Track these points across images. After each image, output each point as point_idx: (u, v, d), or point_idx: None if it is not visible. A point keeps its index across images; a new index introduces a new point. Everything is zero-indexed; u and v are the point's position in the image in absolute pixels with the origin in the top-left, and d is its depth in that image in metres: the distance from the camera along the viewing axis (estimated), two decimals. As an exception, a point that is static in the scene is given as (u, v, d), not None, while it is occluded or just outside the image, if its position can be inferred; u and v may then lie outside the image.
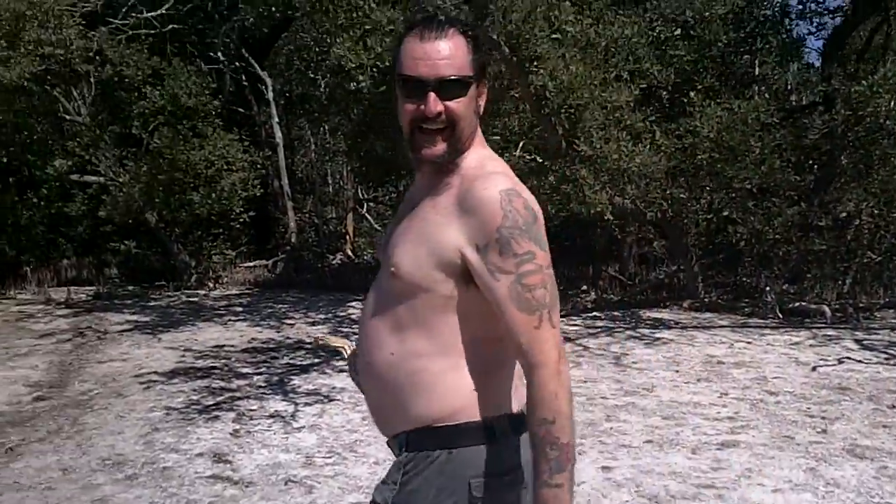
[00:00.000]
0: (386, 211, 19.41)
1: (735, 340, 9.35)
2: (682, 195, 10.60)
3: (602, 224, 13.30)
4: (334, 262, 17.40)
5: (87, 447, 6.26)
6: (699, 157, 9.94)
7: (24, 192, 16.24)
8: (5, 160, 15.63)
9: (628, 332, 9.98)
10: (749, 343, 9.21)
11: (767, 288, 11.20)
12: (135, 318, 12.72)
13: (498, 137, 9.58)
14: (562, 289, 10.56)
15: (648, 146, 9.28)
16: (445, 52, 1.80)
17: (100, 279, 16.81)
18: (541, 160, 9.51)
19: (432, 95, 1.79)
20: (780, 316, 10.69)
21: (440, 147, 1.84)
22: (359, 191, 18.97)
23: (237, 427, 6.54)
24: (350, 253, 17.89)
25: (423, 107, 1.81)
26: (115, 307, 14.03)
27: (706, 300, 11.59)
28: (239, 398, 7.40)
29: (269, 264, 16.15)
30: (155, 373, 8.74)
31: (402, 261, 1.85)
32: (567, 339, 9.67)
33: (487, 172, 1.83)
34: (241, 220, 15.04)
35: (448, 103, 1.81)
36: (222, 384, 7.97)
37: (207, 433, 6.42)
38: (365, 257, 17.96)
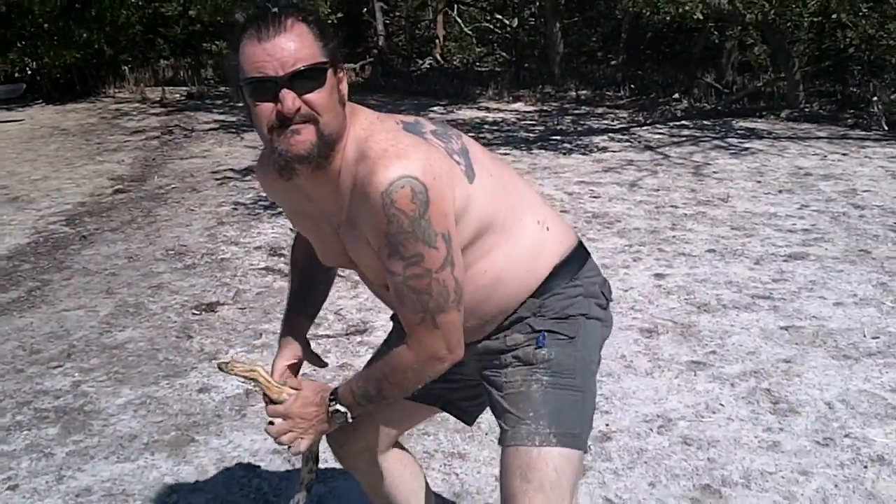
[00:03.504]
0: (476, 13, 18.76)
1: (830, 152, 8.85)
2: (785, -5, 9.82)
3: (700, 28, 12.60)
4: (423, 66, 17.07)
5: (154, 237, 6.42)
6: (808, -48, 9.14)
7: (122, -8, 16.24)
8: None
9: (715, 142, 9.56)
10: (844, 155, 8.71)
11: (875, 98, 10.49)
12: (222, 117, 12.86)
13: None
14: (652, 96, 10.18)
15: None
16: (291, 46, 1.59)
17: (195, 80, 16.97)
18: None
19: (286, 92, 1.59)
20: (886, 128, 10.02)
21: (307, 135, 1.63)
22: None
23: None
24: (439, 57, 17.49)
25: (279, 106, 1.60)
26: (205, 107, 14.21)
27: (806, 110, 10.97)
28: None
29: (356, 67, 15.93)
30: (231, 170, 8.84)
31: (384, 281, 1.77)
32: (648, 147, 9.34)
33: (370, 165, 1.65)
34: (330, 21, 14.73)
35: (306, 97, 1.61)
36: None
37: (269, 228, 6.49)
38: (454, 62, 17.57)
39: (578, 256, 1.97)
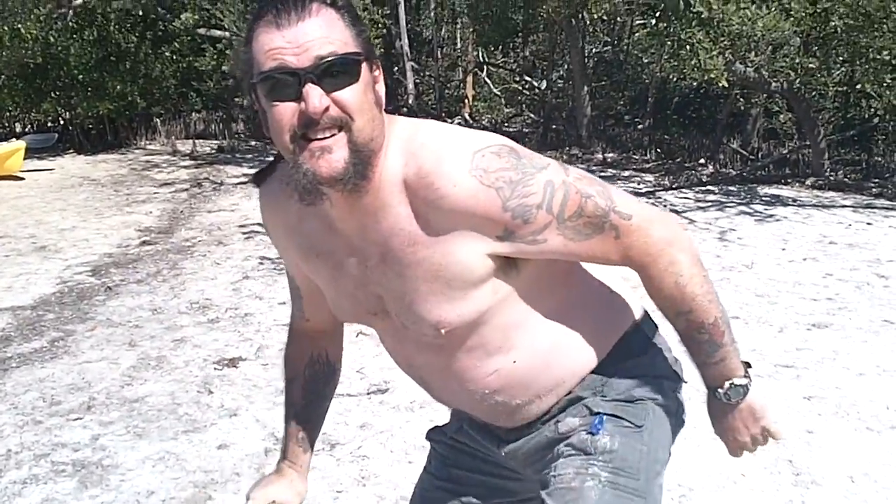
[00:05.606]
0: (505, 74, 19.00)
1: (854, 221, 8.83)
2: (811, 64, 9.87)
3: (726, 94, 12.69)
4: (452, 124, 17.24)
5: (179, 290, 6.47)
6: (833, 23, 9.18)
7: (158, 47, 16.60)
8: (141, 13, 15.97)
9: (740, 208, 9.56)
10: (869, 224, 8.68)
11: (900, 168, 10.48)
12: (252, 171, 13.00)
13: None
14: (678, 160, 10.20)
15: (775, 10, 8.62)
16: (317, 33, 1.29)
17: (225, 133, 17.23)
18: (657, 24, 8.97)
19: (312, 87, 1.28)
20: (911, 199, 10.02)
21: (341, 153, 1.31)
22: (480, 53, 18.57)
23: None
24: (468, 116, 17.69)
25: (302, 106, 1.29)
26: (235, 160, 14.42)
27: (831, 178, 10.97)
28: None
29: (386, 125, 16.10)
30: (258, 224, 8.91)
31: (443, 318, 1.45)
32: (673, 212, 9.34)
33: (432, 155, 1.37)
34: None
35: (336, 95, 1.30)
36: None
37: (292, 284, 6.53)
38: (483, 121, 17.74)
39: (648, 327, 1.69)
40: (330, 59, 1.28)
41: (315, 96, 1.27)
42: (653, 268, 1.46)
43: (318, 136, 1.30)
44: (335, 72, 1.29)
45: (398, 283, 1.45)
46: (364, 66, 1.34)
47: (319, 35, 1.29)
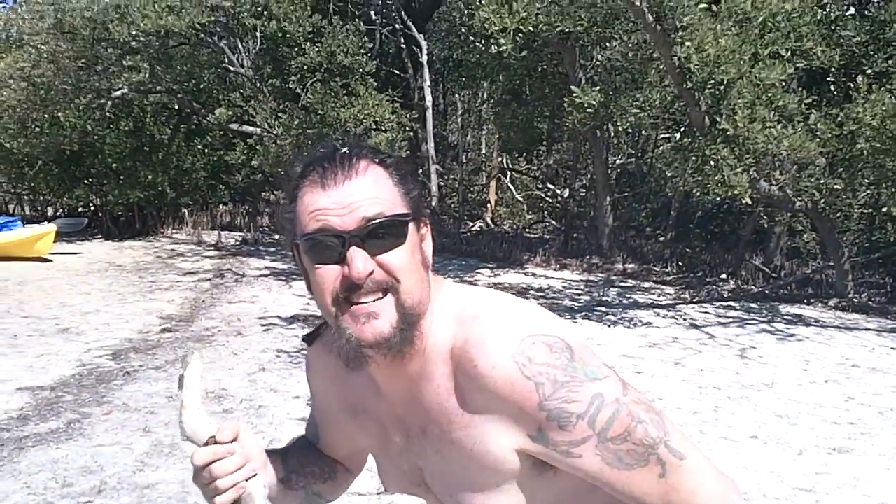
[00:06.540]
0: (529, 181, 19.25)
1: (878, 345, 8.75)
2: (836, 185, 9.94)
3: (750, 211, 12.77)
4: (473, 227, 17.43)
5: (196, 380, 6.46)
6: (859, 145, 9.27)
7: (190, 140, 17.02)
8: (176, 107, 16.43)
9: (762, 326, 9.51)
10: (893, 349, 8.60)
11: (925, 293, 10.43)
12: (274, 264, 13.16)
13: (638, 111, 9.24)
14: (700, 274, 10.20)
15: (801, 130, 8.74)
16: (364, 192, 1.23)
17: (251, 226, 17.47)
18: (681, 138, 9.11)
19: (356, 250, 1.21)
20: (935, 324, 9.94)
21: (387, 317, 1.24)
22: (504, 159, 18.87)
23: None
24: (490, 221, 17.86)
25: (346, 270, 1.22)
26: (258, 253, 14.57)
27: (855, 300, 10.91)
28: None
29: (408, 226, 16.30)
30: (277, 317, 8.98)
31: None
32: (693, 326, 9.32)
33: (477, 332, 1.27)
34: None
35: (382, 257, 1.23)
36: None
37: (309, 379, 6.52)
38: (504, 226, 17.90)
39: None
40: (377, 220, 1.22)
41: (359, 260, 1.21)
42: None
43: (362, 301, 1.23)
44: (382, 234, 1.23)
45: (437, 460, 1.36)
46: (411, 225, 1.26)
47: (366, 196, 1.23)
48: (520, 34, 8.92)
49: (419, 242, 1.29)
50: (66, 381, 6.32)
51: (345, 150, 1.27)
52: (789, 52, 8.99)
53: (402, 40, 17.48)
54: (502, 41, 8.71)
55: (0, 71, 13.55)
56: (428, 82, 16.03)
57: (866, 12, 10.71)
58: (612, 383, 1.25)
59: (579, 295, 11.36)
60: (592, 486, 1.29)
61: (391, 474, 1.50)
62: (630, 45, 10.90)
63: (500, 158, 18.99)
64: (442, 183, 17.80)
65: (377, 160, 1.27)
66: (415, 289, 1.25)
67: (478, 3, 9.04)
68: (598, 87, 10.50)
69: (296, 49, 14.77)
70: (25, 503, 4.06)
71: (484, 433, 1.27)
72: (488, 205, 18.54)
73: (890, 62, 10.39)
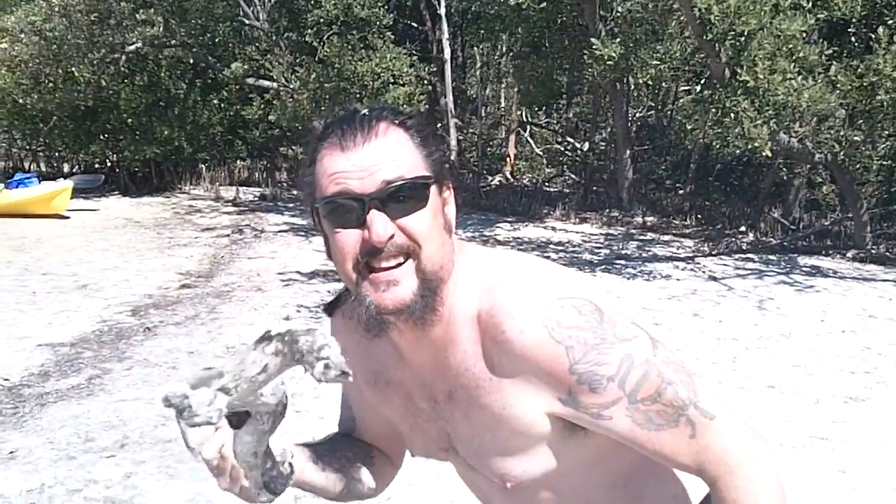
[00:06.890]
0: (548, 135, 19.13)
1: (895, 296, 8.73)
2: (856, 137, 9.84)
3: (769, 163, 12.67)
4: (493, 182, 17.38)
5: (216, 334, 6.54)
6: (879, 97, 9.16)
7: (206, 95, 16.96)
8: (192, 61, 16.37)
9: (780, 277, 9.49)
10: (911, 299, 8.58)
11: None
12: (293, 220, 13.19)
13: (658, 63, 9.15)
14: (719, 227, 10.17)
15: (821, 81, 8.63)
16: (384, 154, 1.21)
17: (269, 182, 17.47)
18: (701, 91, 9.02)
19: (376, 214, 1.18)
20: (955, 274, 9.88)
21: (408, 283, 1.22)
22: (523, 113, 18.74)
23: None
24: (509, 175, 17.80)
25: (366, 234, 1.19)
26: (276, 209, 14.60)
27: (873, 252, 10.86)
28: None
29: (427, 180, 16.29)
30: (297, 272, 9.02)
31: (508, 472, 1.36)
32: (712, 278, 9.31)
33: (504, 295, 1.25)
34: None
35: (402, 221, 1.20)
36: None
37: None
38: (523, 181, 17.84)
39: None
40: (397, 183, 1.19)
41: (379, 224, 1.18)
42: (728, 480, 1.26)
43: (383, 266, 1.21)
44: (402, 197, 1.20)
45: (465, 425, 1.36)
46: (433, 188, 1.24)
47: (386, 158, 1.20)
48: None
49: (441, 206, 1.26)
50: (86, 337, 6.39)
51: (364, 111, 1.25)
52: (810, 3, 8.87)
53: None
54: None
55: (11, 24, 13.44)
56: (446, 35, 15.88)
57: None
58: (641, 343, 1.24)
59: (599, 248, 11.36)
60: (621, 446, 1.29)
61: (417, 441, 1.48)
62: (650, -4, 10.77)
63: (519, 112, 18.87)
64: (461, 137, 17.72)
65: (398, 122, 1.25)
66: (436, 254, 1.23)
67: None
68: (619, 39, 10.41)
69: (312, 2, 14.67)
70: (48, 458, 4.12)
71: (513, 397, 1.26)
72: (507, 159, 18.46)
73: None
